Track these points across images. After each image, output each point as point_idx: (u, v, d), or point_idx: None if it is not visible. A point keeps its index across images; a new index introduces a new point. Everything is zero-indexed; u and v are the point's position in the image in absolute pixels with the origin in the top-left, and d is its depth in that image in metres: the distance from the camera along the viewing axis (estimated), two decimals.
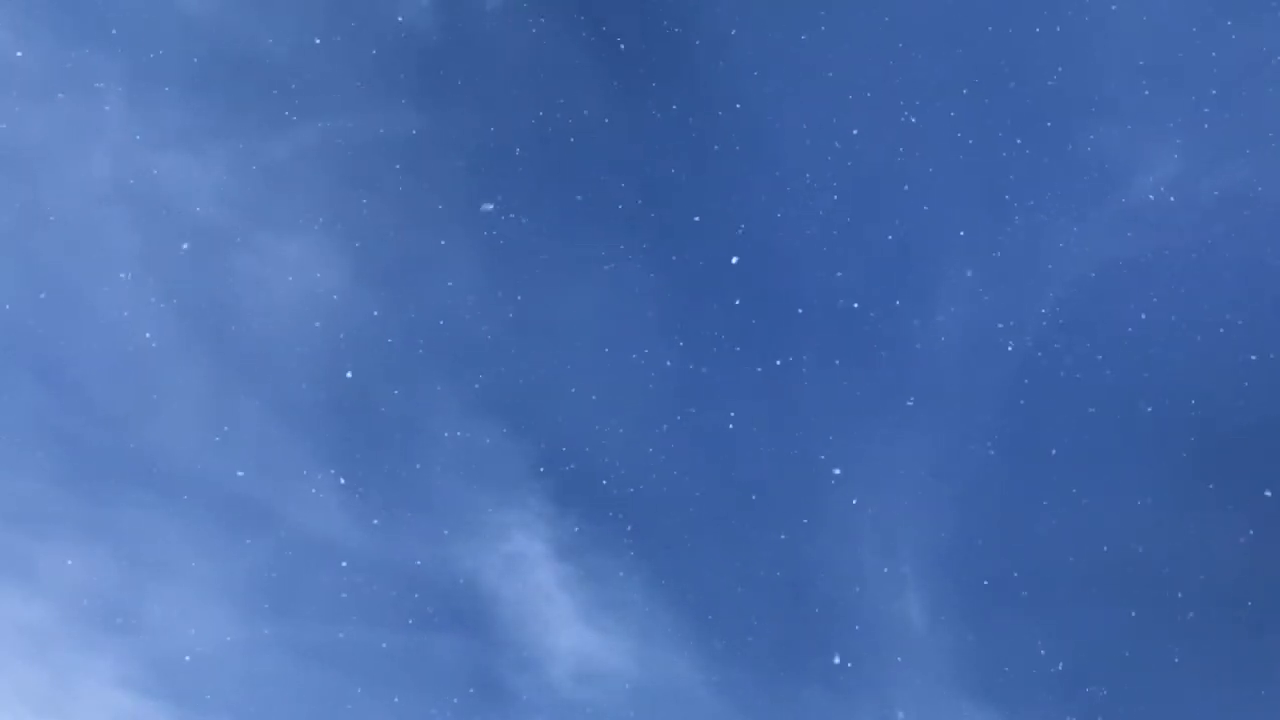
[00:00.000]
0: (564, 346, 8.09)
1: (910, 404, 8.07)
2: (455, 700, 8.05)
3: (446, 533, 8.07)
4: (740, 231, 8.11)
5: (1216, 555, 7.84)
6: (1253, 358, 7.80)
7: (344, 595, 8.05)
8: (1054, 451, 7.99)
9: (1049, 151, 7.98)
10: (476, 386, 8.08)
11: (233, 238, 7.93)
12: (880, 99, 8.02)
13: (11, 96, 7.74)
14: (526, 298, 8.09)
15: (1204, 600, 7.80)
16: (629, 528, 8.13)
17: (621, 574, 8.15)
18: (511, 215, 8.09)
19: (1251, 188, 7.81)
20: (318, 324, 7.97)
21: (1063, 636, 7.95)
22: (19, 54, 7.74)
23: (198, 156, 7.89)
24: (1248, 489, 7.79)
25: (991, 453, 8.05)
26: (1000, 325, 8.03)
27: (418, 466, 8.06)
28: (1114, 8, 7.90)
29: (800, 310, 8.10)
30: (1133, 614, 7.84)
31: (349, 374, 8.00)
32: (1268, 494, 7.73)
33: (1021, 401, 8.02)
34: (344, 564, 8.04)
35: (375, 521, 8.05)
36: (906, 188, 8.06)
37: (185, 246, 7.89)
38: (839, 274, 8.10)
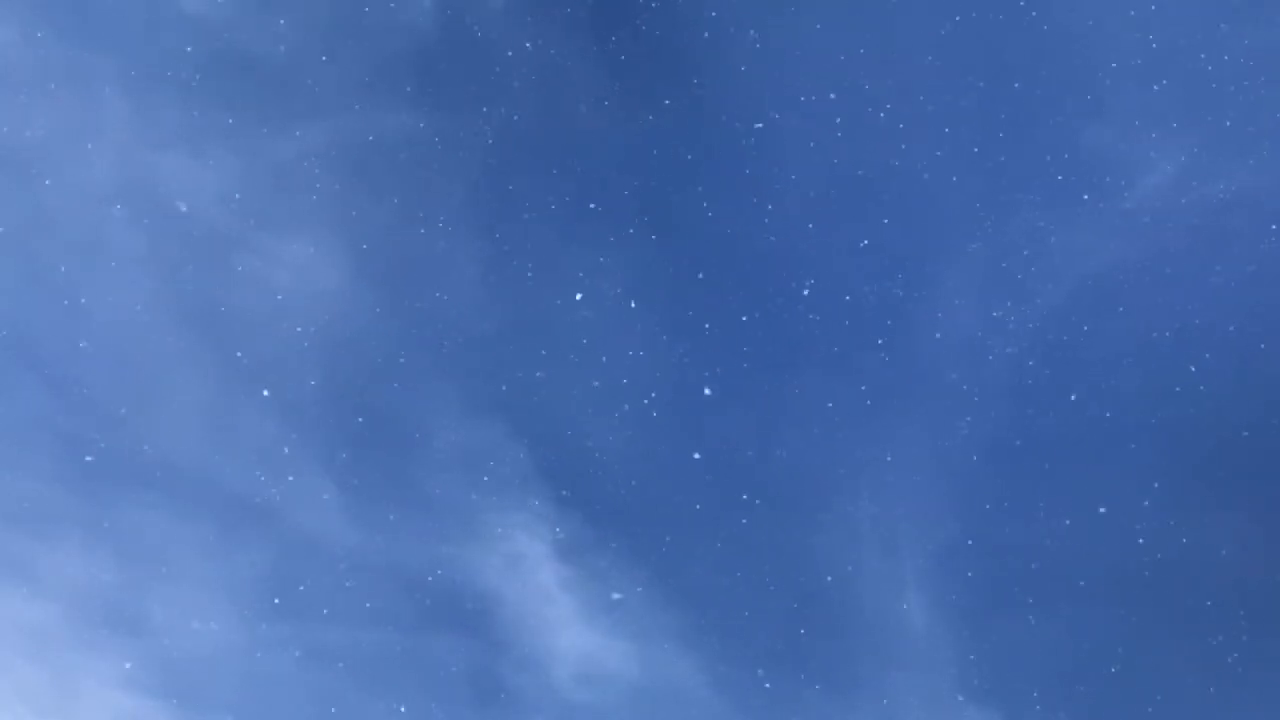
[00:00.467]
0: (564, 347, 8.09)
1: (911, 404, 8.08)
2: (455, 700, 8.06)
3: (447, 533, 8.08)
4: (741, 232, 8.12)
5: (1217, 555, 7.85)
6: (1254, 358, 7.80)
7: (344, 595, 8.06)
8: (1054, 452, 8.00)
9: (1050, 152, 7.98)
10: (477, 387, 8.09)
11: (233, 238, 7.93)
12: (880, 99, 8.02)
13: (12, 96, 7.75)
14: (527, 298, 8.10)
15: (1204, 600, 7.81)
16: (630, 528, 8.14)
17: (622, 575, 8.16)
18: (511, 215, 8.10)
19: (1252, 188, 7.82)
20: (318, 324, 7.98)
21: (1063, 637, 7.96)
22: (21, 54, 7.75)
23: (199, 156, 7.90)
24: (1248, 489, 7.80)
25: (992, 453, 8.07)
26: (1001, 326, 8.04)
27: (419, 466, 8.08)
28: (1115, 8, 7.90)
29: (801, 311, 8.10)
30: (1133, 614, 7.86)
31: (349, 375, 8.01)
32: (1268, 494, 7.74)
33: (1022, 402, 8.03)
34: (344, 564, 8.05)
35: (375, 522, 8.06)
36: (907, 188, 8.06)
37: (186, 246, 7.90)
38: (839, 274, 8.11)
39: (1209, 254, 7.88)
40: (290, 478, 8.00)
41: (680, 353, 8.14)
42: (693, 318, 8.15)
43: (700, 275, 8.15)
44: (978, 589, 8.03)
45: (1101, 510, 7.91)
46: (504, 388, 8.08)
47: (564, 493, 8.13)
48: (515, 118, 8.10)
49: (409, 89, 8.04)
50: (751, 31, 8.07)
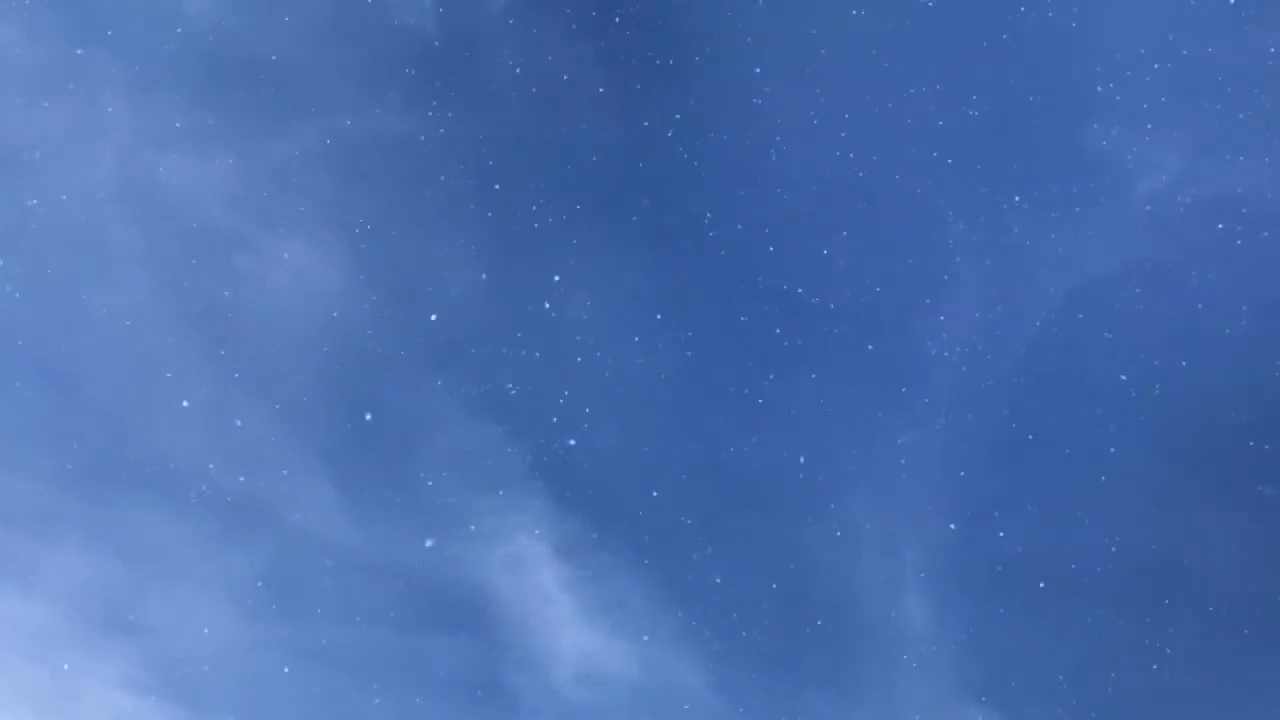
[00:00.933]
0: (564, 346, 8.09)
1: (912, 404, 8.08)
2: (455, 701, 8.06)
3: (447, 533, 8.08)
4: (741, 233, 8.12)
5: (1218, 555, 7.85)
6: (1253, 358, 7.80)
7: (344, 595, 8.06)
8: (1055, 452, 8.00)
9: (1050, 152, 7.99)
10: (477, 386, 8.09)
11: (234, 237, 7.94)
12: (881, 99, 8.02)
13: (14, 96, 7.75)
14: (526, 298, 8.10)
15: (1205, 600, 7.81)
16: (630, 529, 8.14)
17: (622, 575, 8.16)
18: (511, 215, 8.10)
19: (1253, 188, 7.82)
20: (318, 324, 7.98)
21: (1064, 637, 7.96)
22: (21, 54, 7.75)
23: (200, 157, 7.90)
24: (1249, 489, 7.80)
25: (993, 453, 8.07)
26: (1003, 326, 8.04)
27: (418, 467, 8.07)
28: (1115, 9, 7.90)
29: (802, 311, 8.11)
30: (1134, 614, 7.85)
31: (348, 374, 8.01)
32: (1267, 494, 7.74)
33: (1023, 402, 8.03)
34: (345, 564, 8.05)
35: (375, 522, 8.06)
36: (908, 188, 8.06)
37: (186, 246, 7.90)
38: (841, 275, 8.11)
39: (1208, 254, 7.89)
40: (290, 478, 8.00)
41: (680, 353, 8.15)
42: (693, 318, 8.16)
43: (700, 277, 8.15)
44: (977, 589, 8.04)
45: (1103, 510, 7.92)
46: (504, 388, 8.09)
47: (565, 494, 8.14)
48: (514, 118, 8.10)
49: (409, 89, 8.05)
50: (751, 32, 8.08)
